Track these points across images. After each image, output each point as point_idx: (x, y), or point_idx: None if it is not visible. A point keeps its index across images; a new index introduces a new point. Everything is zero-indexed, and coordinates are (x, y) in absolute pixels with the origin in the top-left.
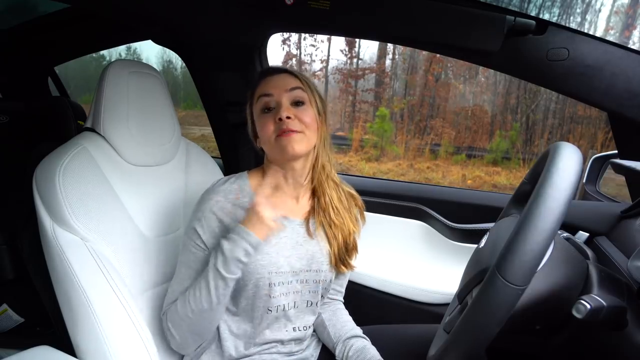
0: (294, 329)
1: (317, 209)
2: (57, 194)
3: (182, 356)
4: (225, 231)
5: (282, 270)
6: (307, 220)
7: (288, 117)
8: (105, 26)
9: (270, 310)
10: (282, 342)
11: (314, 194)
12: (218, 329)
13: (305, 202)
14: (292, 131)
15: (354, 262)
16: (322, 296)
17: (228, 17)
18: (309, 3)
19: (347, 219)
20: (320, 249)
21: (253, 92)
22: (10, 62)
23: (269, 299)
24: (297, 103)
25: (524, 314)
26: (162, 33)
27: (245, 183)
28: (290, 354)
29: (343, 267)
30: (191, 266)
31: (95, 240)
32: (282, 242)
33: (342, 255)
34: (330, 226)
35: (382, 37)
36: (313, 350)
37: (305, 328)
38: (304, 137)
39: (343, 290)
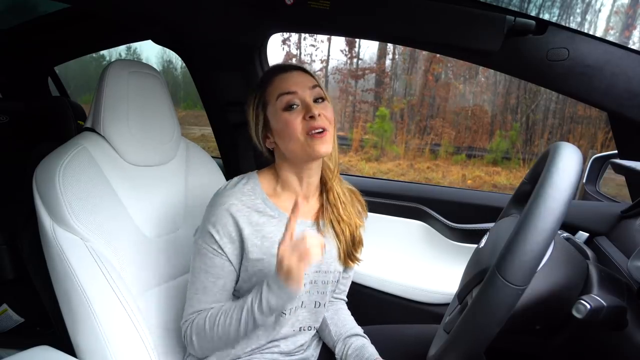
0: (300, 328)
1: (326, 205)
2: (57, 194)
3: (183, 356)
4: (241, 234)
5: None
6: (317, 221)
7: (319, 115)
8: (105, 26)
9: (284, 313)
10: (285, 338)
11: (322, 191)
12: None
13: (314, 202)
14: (323, 130)
15: (360, 255)
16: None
17: (228, 17)
18: (309, 3)
19: (352, 214)
20: (329, 250)
21: (264, 92)
22: (10, 62)
23: None
24: (318, 100)
25: (524, 314)
26: (162, 33)
27: (256, 184)
28: (290, 353)
29: (350, 262)
30: (209, 271)
31: (95, 240)
32: None
33: (350, 250)
34: (339, 222)
35: (382, 37)
36: (313, 350)
37: (310, 328)
38: (330, 135)
39: (347, 289)
